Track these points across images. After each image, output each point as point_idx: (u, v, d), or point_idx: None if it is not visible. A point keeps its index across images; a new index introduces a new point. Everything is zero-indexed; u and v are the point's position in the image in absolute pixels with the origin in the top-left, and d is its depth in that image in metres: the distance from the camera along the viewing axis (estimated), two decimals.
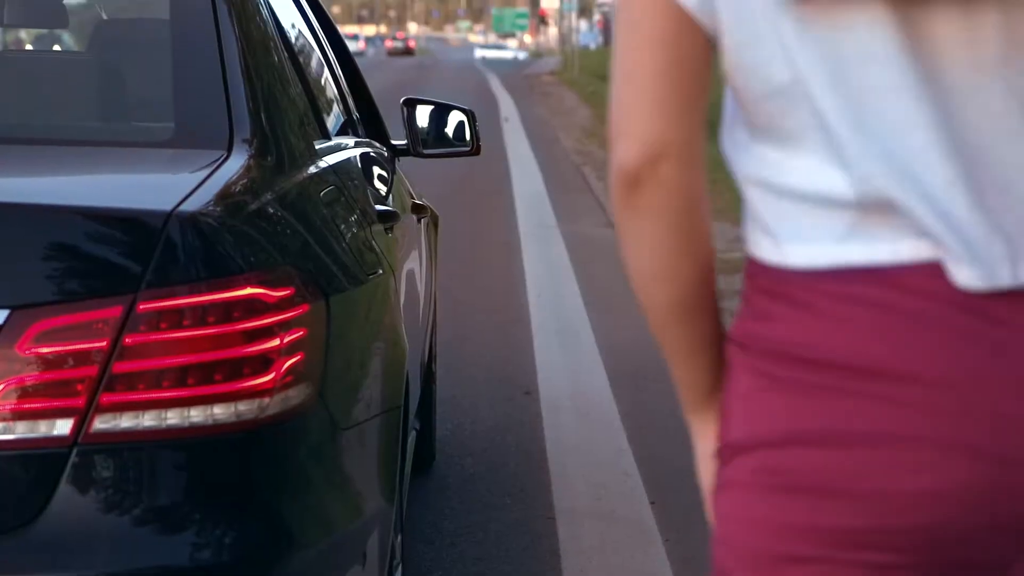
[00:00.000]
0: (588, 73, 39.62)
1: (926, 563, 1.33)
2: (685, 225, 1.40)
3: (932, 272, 1.28)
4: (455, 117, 4.29)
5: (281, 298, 2.30)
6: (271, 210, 2.50)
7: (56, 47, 5.01)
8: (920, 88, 1.29)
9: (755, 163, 1.36)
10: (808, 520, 1.32)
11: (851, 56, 1.29)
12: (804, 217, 1.32)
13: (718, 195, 12.70)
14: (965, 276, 1.27)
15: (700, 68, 1.36)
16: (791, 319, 1.32)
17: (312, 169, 2.87)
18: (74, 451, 2.17)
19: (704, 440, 1.48)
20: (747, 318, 1.37)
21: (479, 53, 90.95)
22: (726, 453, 1.39)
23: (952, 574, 1.34)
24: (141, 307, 2.18)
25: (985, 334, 1.28)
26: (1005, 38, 1.29)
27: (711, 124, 1.34)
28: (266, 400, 2.25)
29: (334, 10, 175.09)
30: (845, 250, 1.30)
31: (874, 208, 1.29)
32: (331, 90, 3.88)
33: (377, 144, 4.09)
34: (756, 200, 1.36)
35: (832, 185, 1.30)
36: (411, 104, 4.26)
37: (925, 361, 1.28)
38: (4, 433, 2.15)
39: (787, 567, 1.35)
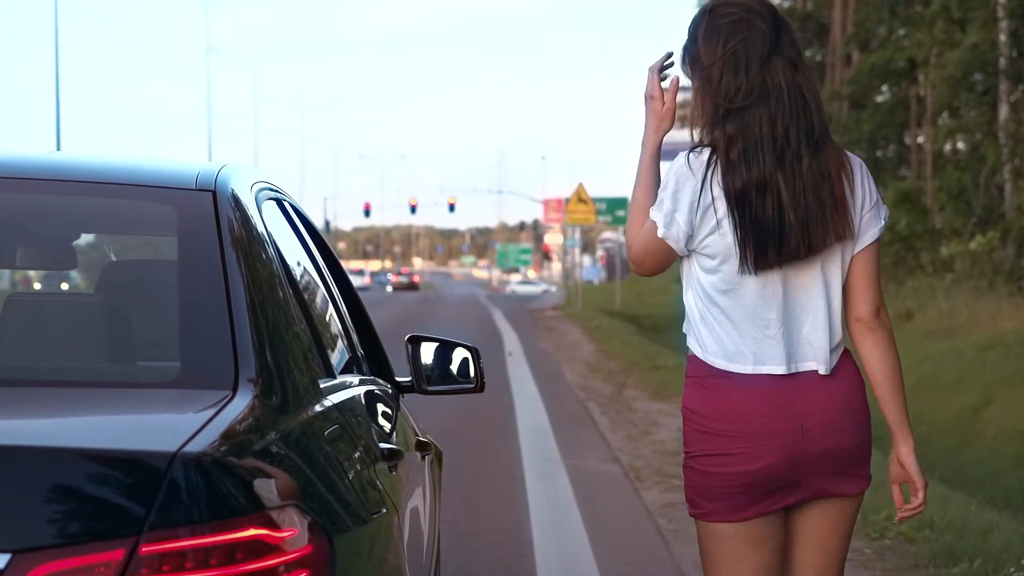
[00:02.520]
0: (591, 308, 39.96)
1: (761, 484, 3.45)
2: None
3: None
4: (459, 354, 4.32)
5: (285, 539, 2.28)
6: (275, 450, 2.50)
7: (64, 285, 5.06)
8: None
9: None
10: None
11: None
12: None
13: None
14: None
15: None
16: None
17: (317, 408, 2.88)
18: None
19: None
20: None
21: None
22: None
23: (773, 488, 3.47)
24: (144, 549, 2.17)
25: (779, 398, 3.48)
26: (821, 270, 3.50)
27: None
28: None
29: (340, 246, 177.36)
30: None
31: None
32: (336, 327, 3.91)
33: (381, 381, 4.11)
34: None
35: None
36: (415, 341, 4.29)
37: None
38: None
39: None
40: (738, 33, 3.44)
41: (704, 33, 3.47)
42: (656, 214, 3.47)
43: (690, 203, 3.41)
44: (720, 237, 3.42)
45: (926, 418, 16.74)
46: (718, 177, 3.40)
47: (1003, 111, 27.41)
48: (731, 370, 3.44)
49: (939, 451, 14.95)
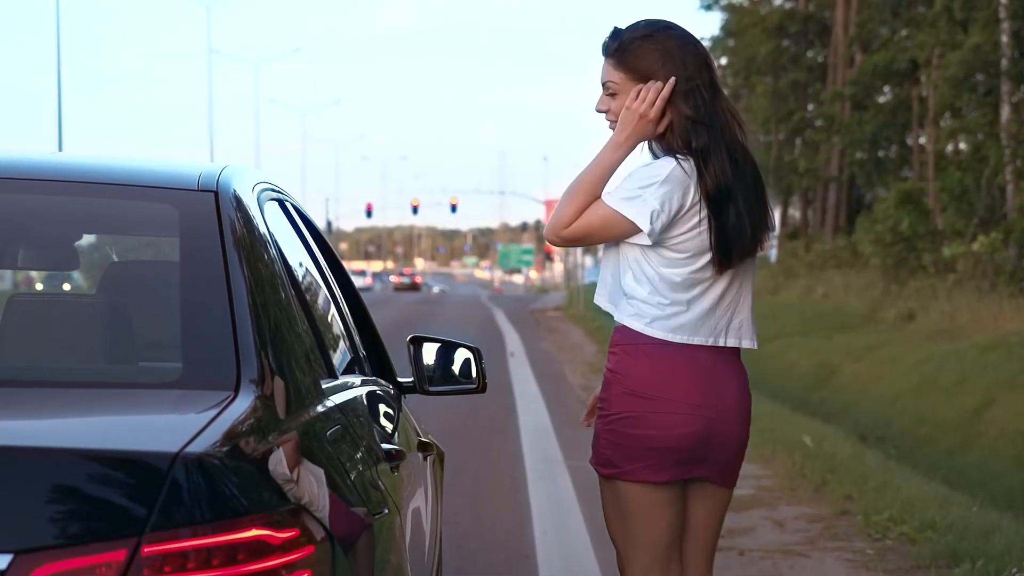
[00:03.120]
0: (593, 308, 39.93)
1: (679, 451, 3.85)
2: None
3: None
4: (461, 355, 4.32)
5: (286, 539, 2.29)
6: (277, 450, 2.50)
7: (66, 286, 5.06)
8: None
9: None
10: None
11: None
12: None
13: None
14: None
15: None
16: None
17: (319, 408, 2.88)
18: None
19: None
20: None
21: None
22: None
23: (687, 458, 3.87)
24: (145, 550, 2.17)
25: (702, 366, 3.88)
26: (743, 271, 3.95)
27: None
28: None
29: (342, 246, 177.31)
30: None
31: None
32: (338, 328, 3.92)
33: (383, 382, 4.11)
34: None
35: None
36: (417, 342, 4.29)
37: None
38: None
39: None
40: (697, 56, 3.92)
41: (679, 53, 3.89)
42: (637, 208, 3.80)
43: (680, 204, 3.82)
44: (697, 235, 3.85)
45: (928, 419, 16.74)
46: (702, 182, 3.83)
47: (1005, 112, 27.40)
48: (669, 339, 3.86)
49: (941, 452, 14.96)
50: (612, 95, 3.93)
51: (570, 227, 3.88)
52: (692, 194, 3.82)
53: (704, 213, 3.82)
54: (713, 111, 3.88)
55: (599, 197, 3.87)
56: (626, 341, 3.88)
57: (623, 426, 3.87)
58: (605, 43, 3.96)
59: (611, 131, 3.93)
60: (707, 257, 3.86)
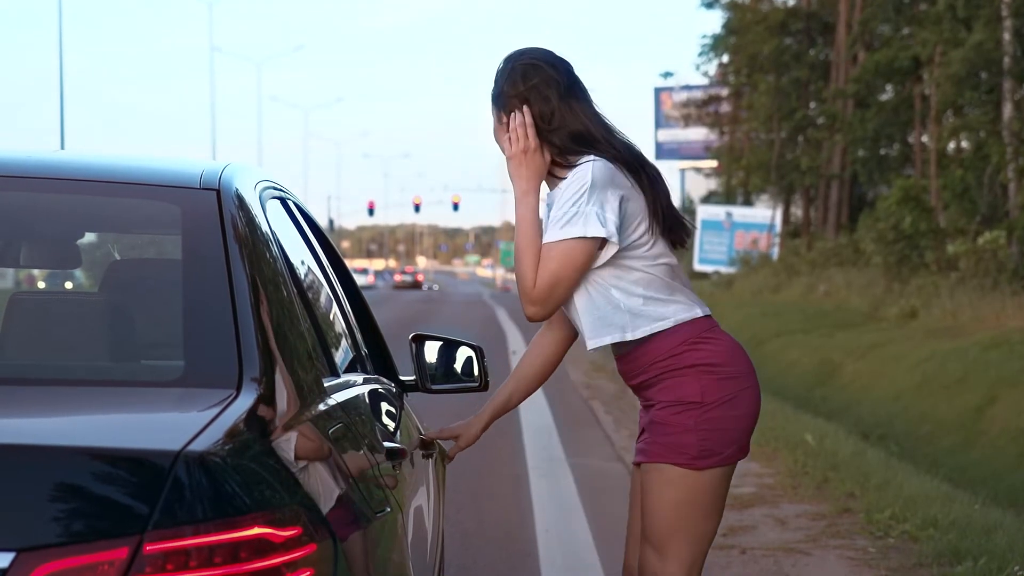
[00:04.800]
0: None
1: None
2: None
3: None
4: (463, 353, 4.32)
5: (288, 538, 2.29)
6: (279, 449, 2.50)
7: (68, 284, 5.06)
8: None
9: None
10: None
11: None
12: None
13: None
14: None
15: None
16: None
17: (321, 407, 2.88)
18: None
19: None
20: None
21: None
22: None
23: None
24: (147, 548, 2.17)
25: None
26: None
27: None
28: None
29: (344, 244, 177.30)
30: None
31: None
32: (340, 326, 3.92)
33: (385, 380, 4.11)
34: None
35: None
36: (419, 340, 4.29)
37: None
38: None
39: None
40: (546, 68, 3.94)
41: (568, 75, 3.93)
42: (582, 224, 3.74)
43: (620, 196, 3.79)
44: (647, 227, 3.85)
45: (930, 417, 16.73)
46: (620, 163, 3.83)
47: (1007, 110, 27.38)
48: (708, 313, 3.93)
49: (943, 450, 14.95)
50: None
51: (536, 286, 3.80)
52: (624, 179, 3.81)
53: (645, 193, 3.85)
54: (582, 112, 3.88)
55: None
56: (690, 335, 3.85)
57: (726, 411, 3.86)
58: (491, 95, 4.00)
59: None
60: (664, 248, 3.90)
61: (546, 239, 3.80)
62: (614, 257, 3.82)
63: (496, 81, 3.98)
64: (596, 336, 3.88)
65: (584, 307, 3.89)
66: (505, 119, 3.92)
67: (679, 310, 3.87)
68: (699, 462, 3.83)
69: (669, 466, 3.85)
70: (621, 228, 3.79)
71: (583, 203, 3.75)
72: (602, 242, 3.79)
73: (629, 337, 3.86)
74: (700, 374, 3.84)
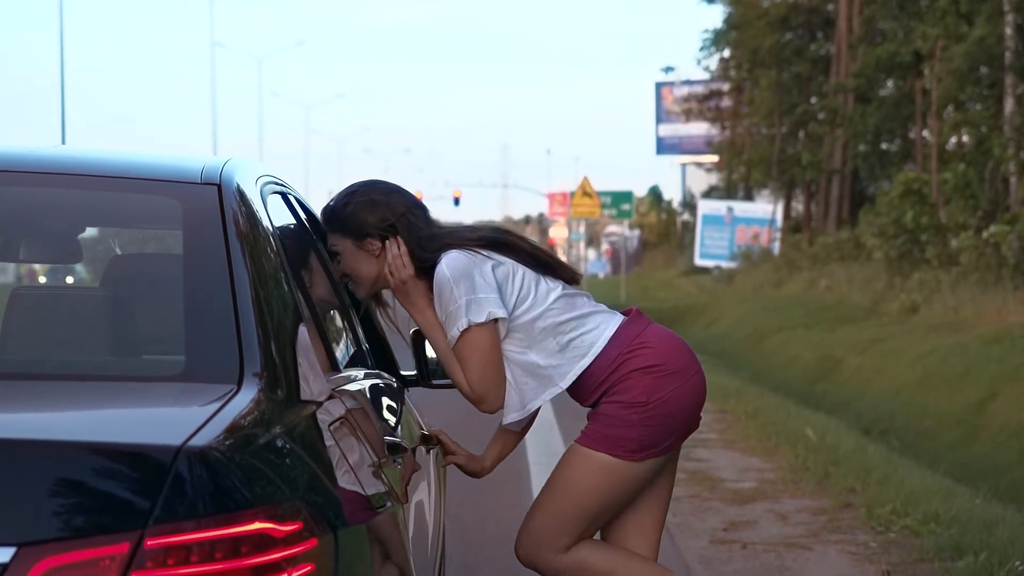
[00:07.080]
0: (597, 301, 39.84)
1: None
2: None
3: None
4: None
5: (289, 533, 2.29)
6: (280, 444, 2.50)
7: (69, 278, 5.05)
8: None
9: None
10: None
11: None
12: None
13: (728, 428, 12.62)
14: None
15: None
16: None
17: (322, 402, 2.88)
18: None
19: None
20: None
21: None
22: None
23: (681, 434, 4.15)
24: (148, 543, 2.17)
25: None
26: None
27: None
28: None
29: None
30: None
31: None
32: (341, 321, 3.92)
33: (386, 375, 4.11)
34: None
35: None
36: (420, 335, 4.29)
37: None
38: None
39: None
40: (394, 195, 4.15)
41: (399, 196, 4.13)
42: (474, 311, 3.96)
43: (491, 271, 4.00)
44: (522, 275, 4.05)
45: (931, 412, 16.72)
46: (479, 242, 4.05)
47: (1009, 105, 27.34)
48: (626, 316, 4.14)
49: (944, 445, 14.95)
50: (338, 260, 4.08)
51: (471, 385, 4.04)
52: (488, 258, 4.01)
53: (513, 265, 4.05)
54: (424, 221, 4.10)
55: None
56: (625, 344, 4.08)
57: (669, 407, 4.05)
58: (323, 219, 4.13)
59: (354, 290, 4.12)
60: (552, 284, 4.10)
61: (449, 338, 4.03)
62: (513, 320, 4.04)
63: (343, 211, 4.08)
64: (536, 399, 4.11)
65: (512, 382, 4.09)
66: (374, 245, 4.06)
67: (597, 335, 4.09)
68: (637, 455, 4.05)
69: (603, 455, 4.05)
70: (502, 293, 4.02)
71: (458, 298, 3.96)
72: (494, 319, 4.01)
73: (564, 386, 4.09)
74: (643, 375, 4.05)
